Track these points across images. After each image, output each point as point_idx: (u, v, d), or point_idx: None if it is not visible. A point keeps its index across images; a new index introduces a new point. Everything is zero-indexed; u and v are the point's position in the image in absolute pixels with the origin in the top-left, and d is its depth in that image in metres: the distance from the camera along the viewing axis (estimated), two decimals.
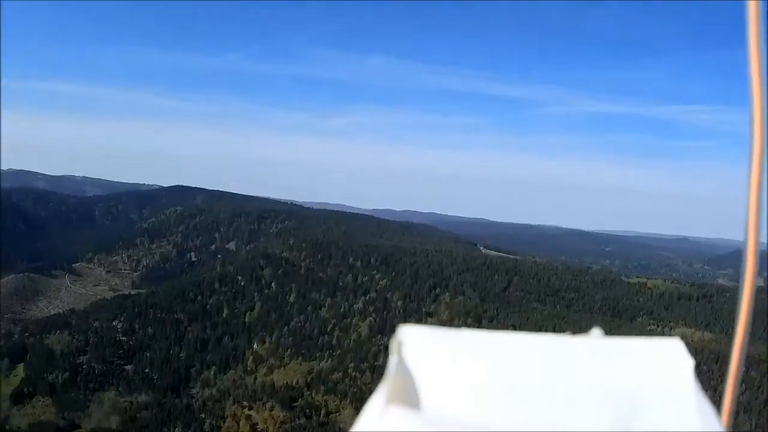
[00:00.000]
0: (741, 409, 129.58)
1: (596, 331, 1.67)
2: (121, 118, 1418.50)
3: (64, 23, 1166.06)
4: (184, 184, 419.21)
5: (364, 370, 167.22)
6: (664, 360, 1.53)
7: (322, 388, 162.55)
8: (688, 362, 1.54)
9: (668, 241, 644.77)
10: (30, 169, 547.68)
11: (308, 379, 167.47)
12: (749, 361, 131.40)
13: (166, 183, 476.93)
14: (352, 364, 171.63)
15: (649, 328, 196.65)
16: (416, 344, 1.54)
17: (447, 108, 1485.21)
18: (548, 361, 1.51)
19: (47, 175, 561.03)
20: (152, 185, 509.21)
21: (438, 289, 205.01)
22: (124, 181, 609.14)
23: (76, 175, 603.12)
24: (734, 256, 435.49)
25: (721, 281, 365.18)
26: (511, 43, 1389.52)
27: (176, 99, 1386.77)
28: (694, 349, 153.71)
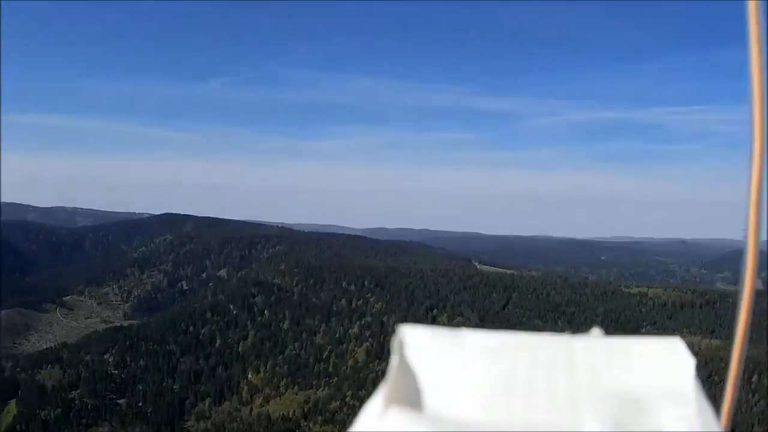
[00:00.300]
0: (741, 410, 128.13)
1: (596, 331, 1.66)
2: (110, 148, 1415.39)
3: (50, 56, 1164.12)
4: (174, 212, 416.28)
5: (362, 397, 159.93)
6: (665, 359, 1.52)
7: (319, 418, 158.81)
8: (688, 362, 1.52)
9: (664, 245, 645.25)
10: (21, 202, 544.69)
11: (305, 409, 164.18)
12: (749, 362, 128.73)
13: (156, 211, 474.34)
14: (349, 392, 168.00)
15: None
16: (417, 344, 1.53)
17: (433, 125, 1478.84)
18: (548, 361, 1.49)
19: (38, 207, 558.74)
20: (143, 213, 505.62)
21: (435, 311, 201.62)
22: (114, 210, 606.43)
23: (67, 206, 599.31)
24: (732, 257, 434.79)
25: (720, 285, 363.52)
26: (495, 57, 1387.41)
27: (163, 128, 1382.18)
28: (704, 357, 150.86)
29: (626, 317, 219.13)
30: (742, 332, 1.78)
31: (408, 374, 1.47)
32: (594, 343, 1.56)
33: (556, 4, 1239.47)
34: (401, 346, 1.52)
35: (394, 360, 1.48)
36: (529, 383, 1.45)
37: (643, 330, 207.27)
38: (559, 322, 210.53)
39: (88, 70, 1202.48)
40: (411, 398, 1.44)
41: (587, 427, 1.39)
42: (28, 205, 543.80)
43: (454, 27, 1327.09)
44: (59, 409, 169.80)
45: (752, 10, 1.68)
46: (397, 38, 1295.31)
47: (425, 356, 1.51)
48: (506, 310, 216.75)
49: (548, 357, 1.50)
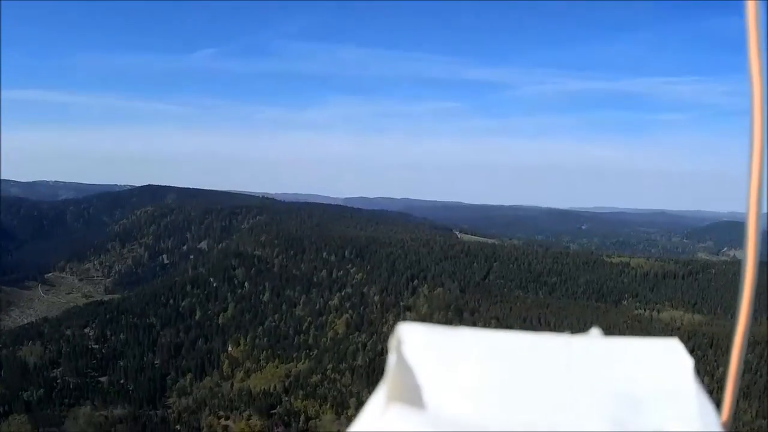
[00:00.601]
0: (741, 409, 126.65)
1: (595, 331, 1.66)
2: (93, 121, 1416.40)
3: (29, 30, 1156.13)
4: (156, 183, 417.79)
5: (343, 371, 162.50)
6: (664, 360, 1.53)
7: (300, 392, 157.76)
8: (687, 362, 1.54)
9: (646, 215, 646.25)
10: (3, 177, 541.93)
11: (286, 384, 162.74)
12: (749, 360, 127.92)
13: (139, 183, 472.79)
14: (330, 365, 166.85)
15: (636, 312, 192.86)
16: (416, 343, 1.53)
17: (420, 94, 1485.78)
18: (548, 360, 1.51)
19: (20, 182, 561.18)
20: (125, 185, 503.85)
21: (416, 281, 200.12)
22: (97, 182, 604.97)
23: (49, 180, 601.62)
24: (713, 228, 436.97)
25: (702, 255, 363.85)
26: (482, 26, 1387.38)
27: (149, 100, 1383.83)
28: (686, 332, 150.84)
29: (608, 288, 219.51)
30: (742, 333, 1.77)
31: (407, 373, 1.48)
32: (593, 343, 1.57)
33: None
34: (400, 344, 1.53)
35: (392, 358, 1.49)
36: (528, 383, 1.47)
37: (625, 302, 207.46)
38: (541, 292, 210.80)
39: (72, 43, 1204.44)
40: (410, 397, 1.44)
41: (587, 427, 1.39)
42: (10, 180, 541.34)
43: None
44: (42, 390, 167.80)
45: (752, 10, 1.68)
46: (383, 9, 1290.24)
47: (424, 354, 1.51)
48: (487, 280, 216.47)
49: (548, 357, 1.52)
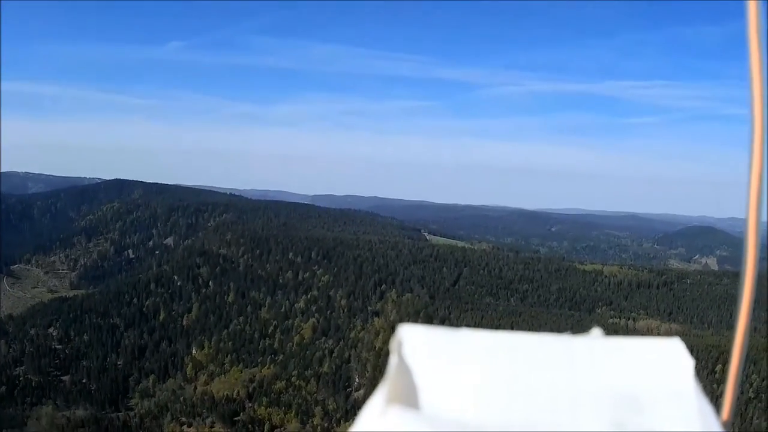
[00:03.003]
0: (741, 409, 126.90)
1: (596, 331, 1.67)
2: (64, 113, 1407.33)
3: (2, 20, 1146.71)
4: (126, 177, 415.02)
5: (308, 378, 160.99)
6: (664, 360, 1.54)
7: (264, 399, 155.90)
8: (688, 362, 1.54)
9: (616, 218, 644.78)
10: None
11: (250, 389, 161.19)
12: (748, 361, 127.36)
13: (109, 176, 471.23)
14: (295, 372, 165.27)
15: (610, 320, 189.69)
16: (416, 344, 1.54)
17: (391, 93, 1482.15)
18: (548, 361, 1.51)
19: None
20: (94, 179, 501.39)
21: (384, 285, 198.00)
22: (66, 175, 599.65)
23: (18, 171, 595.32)
24: (685, 234, 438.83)
25: (674, 262, 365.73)
26: (452, 26, 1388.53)
27: (118, 93, 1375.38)
28: None
29: (581, 296, 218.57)
30: (742, 333, 1.76)
31: (407, 374, 1.48)
32: (593, 344, 1.57)
33: None
34: (400, 345, 1.53)
35: (393, 359, 1.49)
36: (528, 383, 1.47)
37: (599, 311, 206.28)
38: (512, 300, 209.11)
39: (41, 33, 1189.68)
40: (410, 398, 1.44)
41: (587, 427, 1.40)
42: None
43: None
44: (3, 387, 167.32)
45: (752, 10, 1.68)
46: (356, 6, 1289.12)
47: (424, 356, 1.51)
48: (457, 286, 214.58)
49: (548, 357, 1.52)
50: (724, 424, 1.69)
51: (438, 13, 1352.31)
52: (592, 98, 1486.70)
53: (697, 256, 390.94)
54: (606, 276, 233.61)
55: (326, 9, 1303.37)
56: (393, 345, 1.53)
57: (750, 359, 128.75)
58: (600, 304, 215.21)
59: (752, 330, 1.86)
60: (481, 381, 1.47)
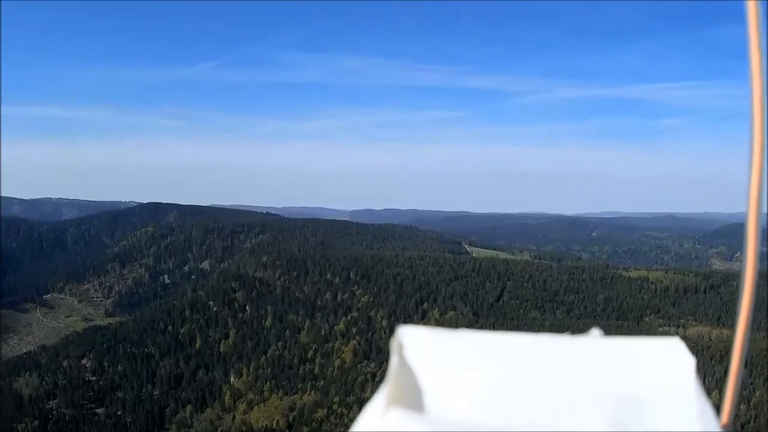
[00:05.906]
0: (741, 409, 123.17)
1: (596, 331, 1.67)
2: (95, 136, 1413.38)
3: (34, 45, 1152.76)
4: (158, 201, 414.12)
5: (350, 404, 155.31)
6: (665, 359, 1.54)
7: (305, 429, 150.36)
8: (688, 361, 1.54)
9: (654, 219, 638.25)
10: (5, 195, 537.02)
11: (290, 418, 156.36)
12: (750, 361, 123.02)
13: (143, 199, 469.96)
14: (337, 398, 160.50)
15: (661, 329, 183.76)
16: (416, 345, 1.54)
17: (423, 103, 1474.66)
18: (548, 361, 1.51)
19: (23, 199, 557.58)
20: (129, 202, 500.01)
21: (426, 304, 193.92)
22: (100, 200, 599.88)
23: (53, 197, 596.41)
24: (724, 232, 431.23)
25: (715, 261, 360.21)
26: (483, 35, 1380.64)
27: (151, 114, 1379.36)
28: (717, 350, 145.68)
29: (628, 305, 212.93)
30: (742, 333, 1.80)
31: (408, 375, 1.48)
32: (593, 344, 1.58)
33: None
34: (401, 346, 1.53)
35: (393, 361, 1.49)
36: (528, 384, 1.47)
37: (647, 319, 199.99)
38: (558, 312, 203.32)
39: (73, 57, 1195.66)
40: (411, 399, 1.45)
41: (587, 427, 1.40)
42: (13, 198, 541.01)
43: (443, 5, 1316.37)
44: (36, 421, 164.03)
45: (752, 10, 1.70)
46: (383, 18, 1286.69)
47: (425, 357, 1.52)
48: (501, 301, 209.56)
49: (548, 357, 1.52)
50: (725, 425, 1.72)
51: (466, 23, 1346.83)
52: (624, 101, 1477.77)
53: (738, 254, 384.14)
54: (652, 282, 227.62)
55: (354, 22, 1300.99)
56: (393, 346, 1.54)
57: (750, 359, 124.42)
58: (648, 312, 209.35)
59: (753, 330, 1.83)
60: (481, 382, 1.47)
